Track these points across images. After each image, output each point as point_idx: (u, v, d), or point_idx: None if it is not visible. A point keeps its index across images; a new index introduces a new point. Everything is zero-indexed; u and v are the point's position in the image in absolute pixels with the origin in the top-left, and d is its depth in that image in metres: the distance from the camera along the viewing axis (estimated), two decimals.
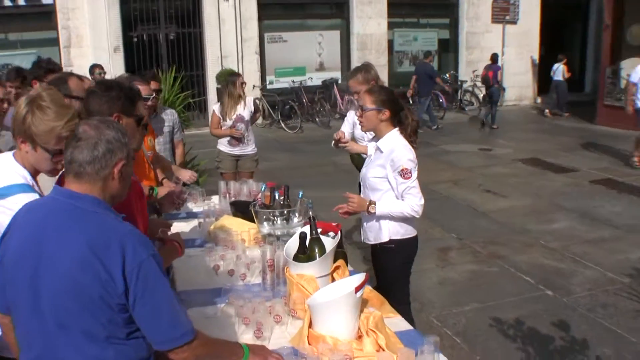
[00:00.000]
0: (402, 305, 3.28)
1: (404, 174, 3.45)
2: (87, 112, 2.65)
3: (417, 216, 3.53)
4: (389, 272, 3.72)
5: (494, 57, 14.46)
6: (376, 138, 3.68)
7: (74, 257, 1.80)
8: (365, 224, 3.76)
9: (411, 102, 14.23)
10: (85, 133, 1.93)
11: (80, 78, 3.18)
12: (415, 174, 3.48)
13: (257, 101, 6.71)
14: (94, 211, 1.89)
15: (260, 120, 12.42)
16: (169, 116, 5.54)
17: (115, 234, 1.85)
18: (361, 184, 3.82)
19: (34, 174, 2.40)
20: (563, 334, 4.50)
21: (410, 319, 3.33)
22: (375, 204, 3.54)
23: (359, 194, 3.83)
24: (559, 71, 15.45)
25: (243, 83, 6.50)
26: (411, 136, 3.62)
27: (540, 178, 9.37)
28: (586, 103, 16.53)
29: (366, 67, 4.83)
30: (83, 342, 1.85)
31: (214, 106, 6.60)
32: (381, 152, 3.59)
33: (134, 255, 1.82)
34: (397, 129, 3.59)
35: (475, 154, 11.26)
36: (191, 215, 4.30)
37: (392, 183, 3.52)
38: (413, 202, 3.48)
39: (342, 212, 3.63)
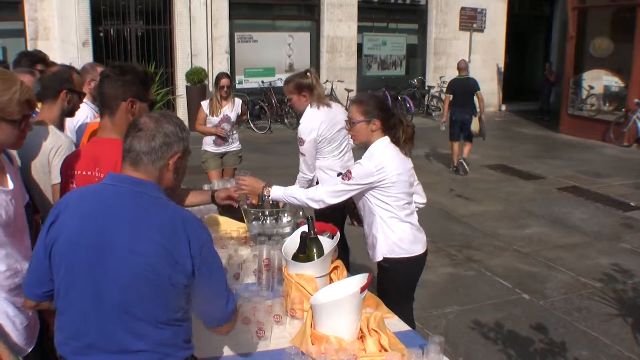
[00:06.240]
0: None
1: (345, 174, 3.22)
2: (101, 95, 2.60)
3: (314, 206, 3.31)
4: (388, 291, 3.38)
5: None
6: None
7: (149, 243, 1.87)
8: (365, 239, 3.54)
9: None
10: (145, 124, 2.01)
11: (78, 72, 3.11)
12: (355, 184, 3.19)
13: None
14: (158, 197, 1.98)
15: None
16: None
17: (179, 218, 1.93)
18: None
19: None
20: (542, 337, 4.60)
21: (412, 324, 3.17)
22: (270, 187, 3.37)
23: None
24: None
25: (222, 87, 6.46)
26: (407, 143, 3.35)
27: (509, 184, 9.54)
28: (549, 112, 16.97)
29: (302, 74, 4.62)
30: (144, 327, 1.90)
31: (202, 102, 6.62)
32: None
33: (197, 238, 1.92)
34: (386, 137, 3.33)
35: (442, 158, 11.39)
36: None
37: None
38: (320, 192, 3.25)
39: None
